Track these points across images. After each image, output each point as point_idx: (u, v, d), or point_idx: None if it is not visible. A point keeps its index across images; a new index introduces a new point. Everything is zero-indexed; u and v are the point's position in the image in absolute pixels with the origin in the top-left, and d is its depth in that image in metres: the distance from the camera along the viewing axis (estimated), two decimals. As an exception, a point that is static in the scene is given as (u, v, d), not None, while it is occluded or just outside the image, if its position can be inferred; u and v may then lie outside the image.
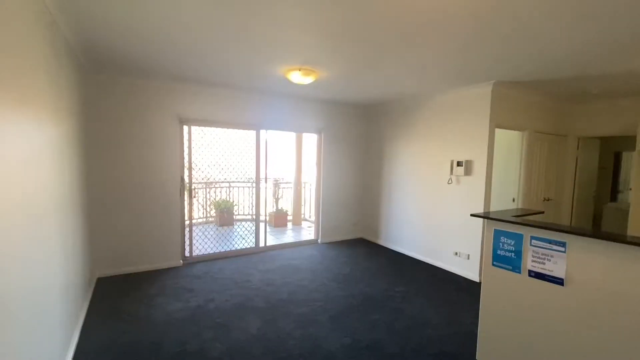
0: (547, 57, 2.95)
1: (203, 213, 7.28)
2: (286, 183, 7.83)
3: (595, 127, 4.90)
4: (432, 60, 3.12)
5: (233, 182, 7.13)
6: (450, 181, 4.38)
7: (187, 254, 4.59)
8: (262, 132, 5.03)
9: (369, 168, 5.95)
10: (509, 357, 2.23)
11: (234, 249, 5.02)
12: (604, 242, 1.78)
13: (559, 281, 1.95)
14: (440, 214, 4.56)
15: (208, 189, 7.36)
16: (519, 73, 3.47)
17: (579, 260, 1.87)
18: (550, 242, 1.98)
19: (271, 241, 5.63)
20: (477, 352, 2.44)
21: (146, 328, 2.81)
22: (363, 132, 6.00)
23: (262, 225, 5.21)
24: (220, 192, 7.38)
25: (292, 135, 7.42)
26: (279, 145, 8.16)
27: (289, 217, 7.38)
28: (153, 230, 4.21)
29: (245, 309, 3.18)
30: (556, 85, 3.91)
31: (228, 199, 7.23)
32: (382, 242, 5.63)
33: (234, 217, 7.24)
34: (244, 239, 5.30)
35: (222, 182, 7.24)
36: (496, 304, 2.31)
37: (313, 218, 7.63)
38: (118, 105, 3.90)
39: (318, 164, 5.65)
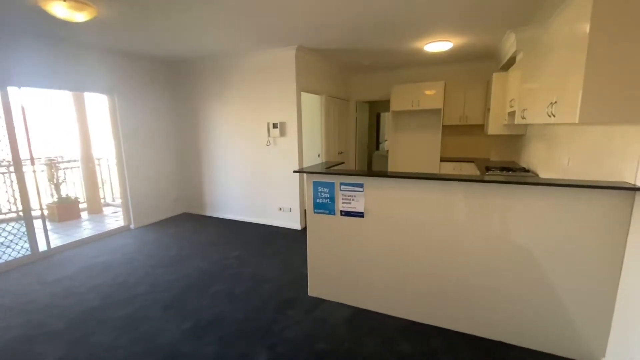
0: (329, 30, 3.44)
1: None
2: (69, 162, 5.97)
3: (365, 93, 6.29)
4: (241, 15, 3.00)
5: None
6: (268, 143, 4.60)
7: None
8: (13, 90, 3.48)
9: (184, 134, 5.37)
10: (332, 283, 2.73)
11: (-9, 265, 3.48)
12: (381, 178, 2.38)
13: (360, 215, 2.48)
14: (262, 175, 4.77)
15: None
16: (314, 40, 3.89)
17: (371, 196, 2.43)
18: (353, 185, 2.46)
19: (59, 241, 4.28)
20: (308, 289, 2.85)
21: None
22: (173, 92, 5.25)
23: (37, 223, 3.82)
24: (-58, 187, 4.78)
25: (68, 97, 5.57)
26: (50, 111, 6.01)
27: (82, 206, 5.78)
28: None
29: (33, 341, 2.33)
30: (340, 55, 4.68)
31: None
32: (209, 212, 5.40)
33: (-19, 220, 4.96)
34: (9, 247, 3.75)
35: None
36: (319, 245, 2.72)
37: (119, 201, 6.33)
38: None
39: (114, 133, 4.56)
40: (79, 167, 5.92)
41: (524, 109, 3.06)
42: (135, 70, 4.66)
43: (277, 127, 4.44)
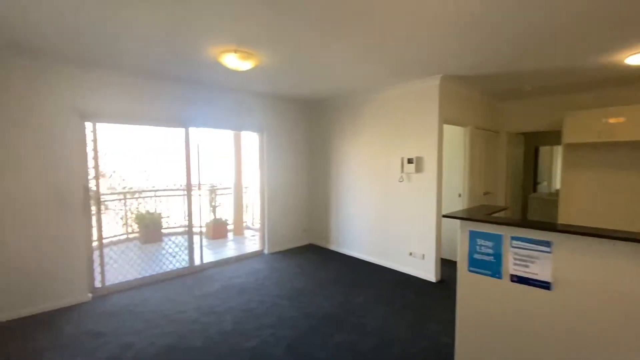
0: (488, 49, 2.88)
1: (123, 228, 6.13)
2: (224, 189, 7.05)
3: (521, 124, 5.20)
4: (382, 48, 2.85)
5: (160, 190, 6.13)
6: (401, 179, 4.21)
7: (97, 284, 3.65)
8: (192, 130, 4.29)
9: (316, 169, 5.57)
10: (491, 372, 2.01)
11: (162, 271, 4.18)
12: (585, 237, 1.62)
13: (545, 285, 1.76)
14: (392, 214, 4.37)
15: (128, 200, 6.22)
16: (464, 66, 3.40)
17: (564, 260, 1.70)
18: (533, 242, 1.79)
19: (209, 257, 4.88)
20: (456, 370, 2.19)
21: (26, 405, 1.98)
22: (309, 130, 5.60)
23: (196, 238, 4.45)
24: (145, 202, 6.30)
25: (229, 135, 6.69)
26: (214, 146, 7.34)
27: (230, 227, 6.63)
28: (46, 256, 3.21)
29: (177, 353, 2.50)
30: (494, 81, 3.98)
31: (154, 211, 6.19)
32: (334, 246, 5.29)
33: (162, 231, 6.24)
34: (174, 257, 4.48)
35: (146, 190, 6.19)
36: (474, 313, 2.07)
37: (257, 226, 7.01)
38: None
39: (261, 166, 5.08)
40: (230, 193, 6.90)
41: None
42: (281, 110, 5.17)
43: (412, 163, 4.03)
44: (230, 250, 5.52)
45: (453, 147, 4.51)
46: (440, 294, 3.56)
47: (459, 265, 2.13)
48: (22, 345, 2.61)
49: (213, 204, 6.59)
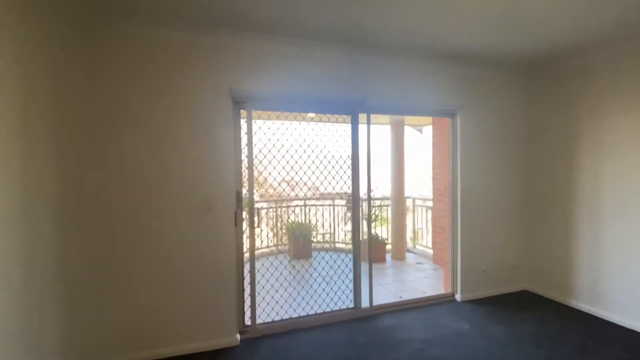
0: None
1: (272, 240, 5.56)
2: (381, 199, 5.73)
3: None
4: None
5: (310, 199, 5.30)
6: None
7: (247, 320, 2.76)
8: (362, 120, 3.06)
9: (541, 172, 3.51)
10: None
11: (320, 311, 3.03)
12: None
13: None
14: None
15: (276, 209, 5.64)
16: None
17: None
18: None
19: (374, 293, 3.48)
20: None
21: None
22: (527, 110, 3.60)
23: (346, 257, 3.18)
24: (294, 211, 5.61)
25: (385, 130, 5.37)
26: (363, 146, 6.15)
27: (388, 247, 5.22)
28: (190, 282, 2.47)
29: None
30: None
31: (303, 221, 5.40)
32: (582, 304, 3.09)
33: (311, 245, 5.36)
34: (327, 284, 3.24)
35: (296, 198, 5.45)
36: None
37: (419, 248, 5.39)
38: (126, 74, 2.31)
39: (452, 166, 3.43)
40: (388, 205, 5.52)
41: None
42: (482, 82, 3.42)
43: None
44: (394, 282, 4.07)
45: None
46: None
47: None
48: None
49: (371, 217, 5.33)
